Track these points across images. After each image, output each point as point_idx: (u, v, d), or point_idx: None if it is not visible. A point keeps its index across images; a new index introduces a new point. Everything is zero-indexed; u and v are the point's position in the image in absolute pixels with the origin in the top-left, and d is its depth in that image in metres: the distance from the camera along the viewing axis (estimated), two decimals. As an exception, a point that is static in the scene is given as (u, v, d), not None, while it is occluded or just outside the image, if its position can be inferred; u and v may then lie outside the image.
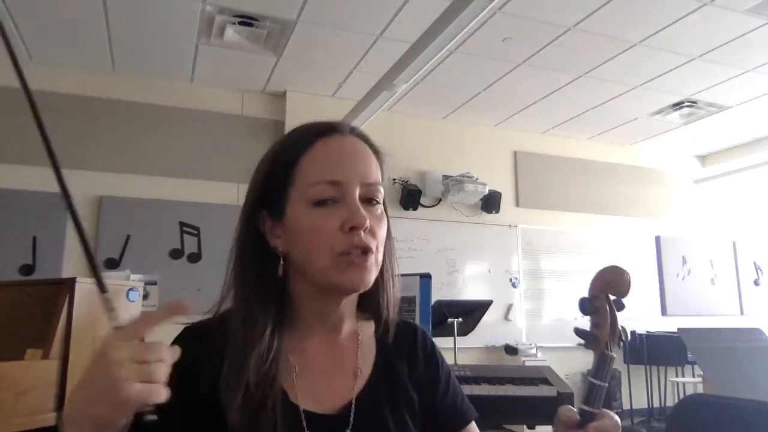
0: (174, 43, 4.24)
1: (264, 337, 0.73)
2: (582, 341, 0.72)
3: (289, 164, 0.75)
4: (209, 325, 0.77)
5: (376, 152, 0.80)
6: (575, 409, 0.71)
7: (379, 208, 0.77)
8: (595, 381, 0.70)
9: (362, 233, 0.72)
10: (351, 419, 0.75)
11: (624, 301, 0.72)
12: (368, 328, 0.85)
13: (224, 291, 0.78)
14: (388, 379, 0.81)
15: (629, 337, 0.67)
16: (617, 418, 0.69)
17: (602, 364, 0.70)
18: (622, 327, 0.72)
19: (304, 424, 0.73)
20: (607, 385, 0.70)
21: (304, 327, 0.79)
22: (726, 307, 6.56)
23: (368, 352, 0.83)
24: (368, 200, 0.76)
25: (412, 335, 0.88)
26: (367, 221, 0.73)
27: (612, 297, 0.73)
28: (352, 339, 0.83)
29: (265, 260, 0.76)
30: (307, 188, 0.74)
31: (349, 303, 0.80)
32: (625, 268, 0.72)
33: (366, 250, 0.73)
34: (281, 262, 0.76)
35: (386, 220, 0.79)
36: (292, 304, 0.78)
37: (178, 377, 0.64)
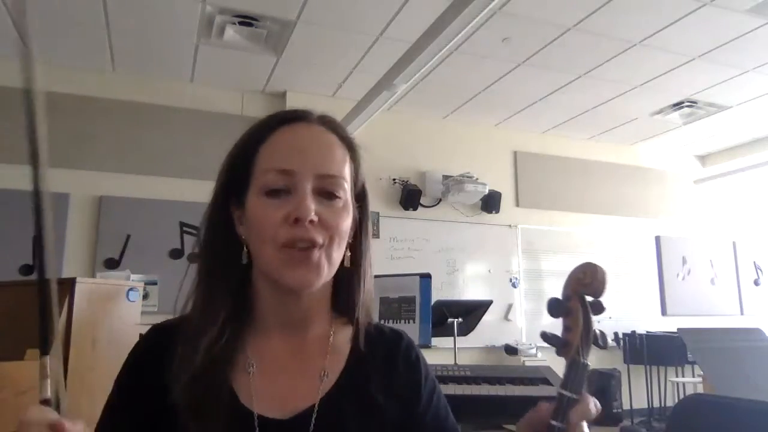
0: (174, 43, 4.24)
1: (217, 320, 0.71)
2: (552, 347, 0.65)
3: (250, 152, 0.74)
4: (174, 323, 0.76)
5: (349, 144, 0.77)
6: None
7: (340, 202, 0.72)
8: (564, 392, 0.61)
9: (307, 226, 0.68)
10: (312, 425, 0.70)
11: (603, 302, 0.64)
12: (343, 333, 0.80)
13: (191, 282, 0.76)
14: (357, 385, 0.75)
15: (608, 344, 0.61)
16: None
17: (573, 373, 0.61)
18: (600, 331, 0.63)
19: (256, 429, 0.68)
20: (578, 397, 0.61)
21: (264, 323, 0.75)
22: (726, 307, 6.56)
23: (339, 356, 0.77)
24: (327, 194, 0.71)
25: (395, 344, 0.82)
26: (312, 213, 0.68)
27: (588, 298, 0.64)
28: (321, 341, 0.77)
29: (230, 246, 0.74)
30: (260, 176, 0.71)
31: (316, 302, 0.76)
32: (599, 265, 0.63)
33: (312, 244, 0.69)
34: (245, 250, 0.74)
35: (351, 216, 0.74)
36: (253, 297, 0.75)
37: (143, 376, 0.70)
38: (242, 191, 0.74)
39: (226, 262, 0.74)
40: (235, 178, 0.75)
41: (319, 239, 0.69)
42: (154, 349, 0.74)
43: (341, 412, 0.72)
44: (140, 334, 0.79)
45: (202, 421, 0.66)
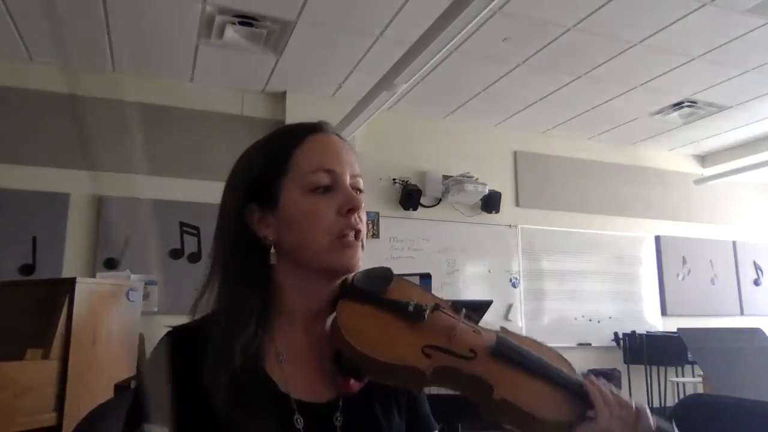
0: (174, 43, 4.24)
1: (250, 321, 0.75)
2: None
3: (284, 155, 0.80)
4: (194, 325, 0.78)
5: (353, 151, 0.87)
6: None
7: (363, 197, 0.82)
8: None
9: (356, 217, 0.78)
10: (340, 405, 0.78)
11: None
12: None
13: (205, 286, 0.80)
14: None
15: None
16: None
17: None
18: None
19: (295, 412, 0.75)
20: None
21: (290, 317, 0.81)
22: (726, 307, 6.56)
23: None
24: (356, 190, 0.81)
25: None
26: (362, 204, 0.79)
27: None
28: None
29: (252, 251, 0.79)
30: (304, 176, 0.79)
31: (333, 294, 0.83)
32: None
33: (358, 233, 0.79)
34: (272, 251, 0.79)
35: None
36: (279, 294, 0.80)
37: (176, 380, 0.70)
38: (270, 194, 0.79)
39: (251, 266, 0.79)
40: (263, 181, 0.80)
41: (362, 229, 0.80)
42: (183, 352, 0.75)
43: (364, 393, 0.80)
44: (162, 334, 0.78)
45: (247, 410, 0.71)
